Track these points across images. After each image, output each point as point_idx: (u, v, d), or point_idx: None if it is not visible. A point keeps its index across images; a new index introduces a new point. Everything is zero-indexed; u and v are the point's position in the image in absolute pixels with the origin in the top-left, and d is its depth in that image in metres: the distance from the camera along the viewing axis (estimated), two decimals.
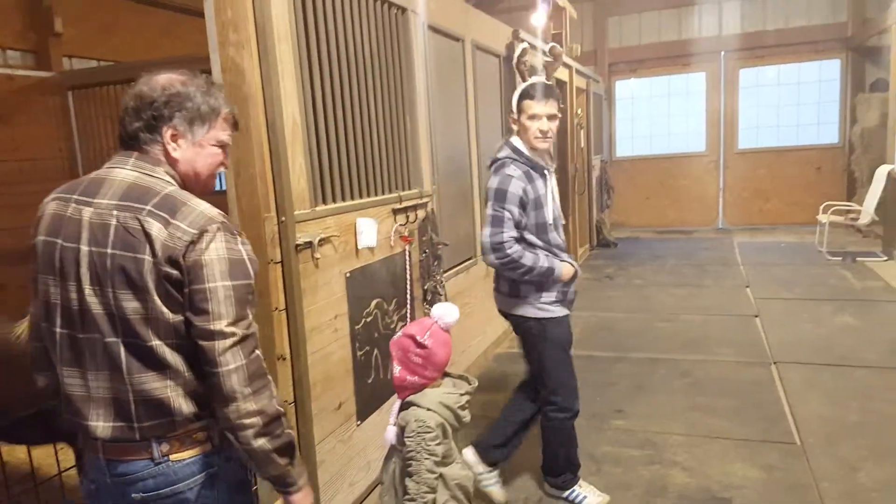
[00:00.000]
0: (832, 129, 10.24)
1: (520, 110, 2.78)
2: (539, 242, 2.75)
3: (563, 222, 2.94)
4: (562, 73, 7.45)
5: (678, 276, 7.39)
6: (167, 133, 1.46)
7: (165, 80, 1.48)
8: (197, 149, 1.50)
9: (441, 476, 2.02)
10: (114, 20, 5.55)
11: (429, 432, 1.96)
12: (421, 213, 3.52)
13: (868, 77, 9.79)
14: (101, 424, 1.43)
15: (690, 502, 2.88)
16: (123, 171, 1.45)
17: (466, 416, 2.09)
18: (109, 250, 1.37)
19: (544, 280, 2.73)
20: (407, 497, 1.98)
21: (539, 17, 8.45)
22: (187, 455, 1.48)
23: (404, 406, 2.07)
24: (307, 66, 2.56)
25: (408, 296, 3.30)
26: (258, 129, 2.27)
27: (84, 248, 1.39)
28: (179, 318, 1.40)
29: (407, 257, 3.32)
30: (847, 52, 9.84)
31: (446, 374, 2.13)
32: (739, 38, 10.26)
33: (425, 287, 3.52)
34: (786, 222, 10.19)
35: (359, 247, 2.91)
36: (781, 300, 5.99)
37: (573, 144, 8.02)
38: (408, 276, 3.31)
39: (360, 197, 2.98)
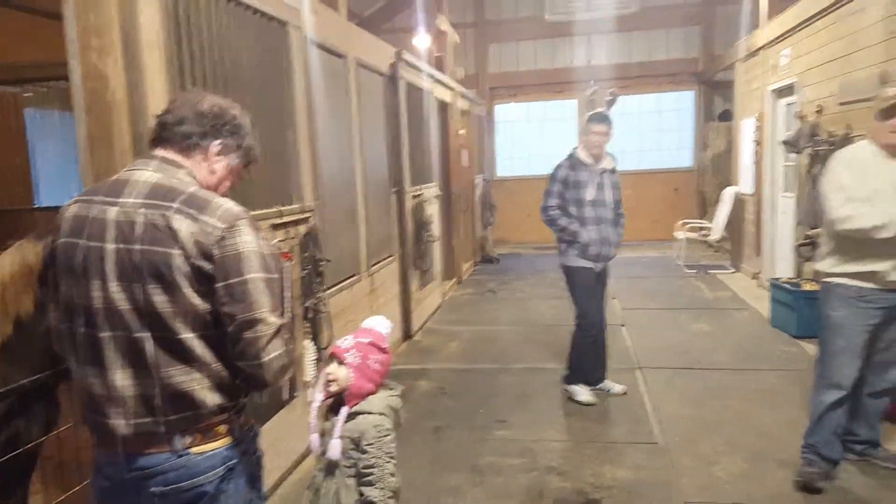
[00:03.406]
0: (687, 154, 11.30)
1: (588, 129, 4.14)
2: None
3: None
4: (444, 95, 7.65)
5: (556, 289, 7.68)
6: (215, 146, 1.58)
7: (233, 107, 1.63)
8: (226, 173, 1.64)
9: None
10: None
11: (388, 435, 1.97)
12: (302, 229, 3.47)
13: (717, 107, 10.89)
14: (122, 422, 1.45)
15: None
16: (146, 173, 1.50)
17: (403, 417, 2.11)
18: (137, 246, 1.41)
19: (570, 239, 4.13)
20: None
21: (422, 40, 8.66)
22: (209, 448, 1.51)
23: (350, 417, 2.02)
24: (179, 75, 2.46)
25: (287, 314, 3.22)
26: (121, 139, 2.16)
27: (110, 246, 1.42)
28: (209, 308, 1.44)
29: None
30: (699, 84, 10.92)
31: None
32: (607, 69, 11.02)
33: (306, 304, 3.47)
34: (648, 238, 11.00)
35: None
36: (644, 310, 6.45)
37: (457, 164, 8.24)
38: (287, 294, 3.23)
39: None
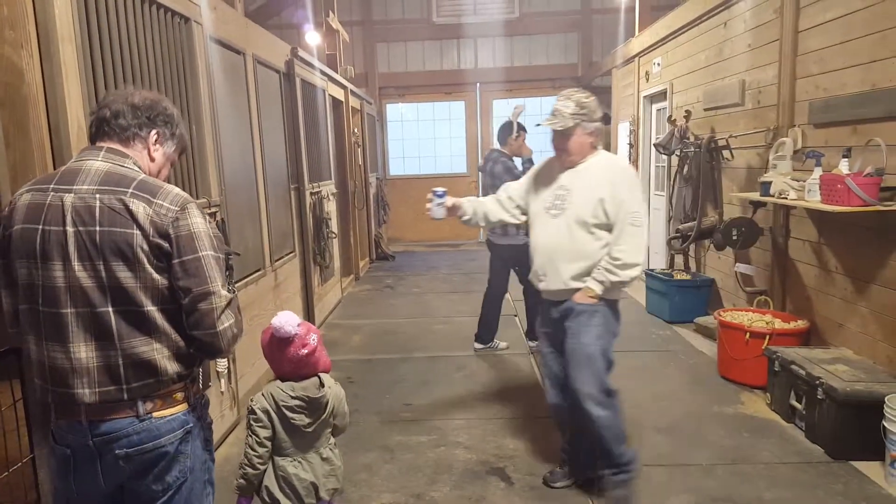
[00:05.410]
0: None
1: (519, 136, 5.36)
2: None
3: None
4: (337, 93, 7.72)
5: (450, 283, 8.07)
6: (153, 135, 1.71)
7: (164, 99, 1.76)
8: (164, 160, 1.77)
9: (273, 461, 2.20)
10: None
11: (253, 413, 2.17)
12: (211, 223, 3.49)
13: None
14: (86, 391, 1.56)
15: (472, 474, 3.28)
16: (96, 163, 1.61)
17: (297, 419, 2.19)
18: (98, 228, 1.53)
19: None
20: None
21: (313, 37, 8.66)
22: (168, 413, 1.64)
23: None
24: (91, 69, 2.46)
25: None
26: (39, 133, 2.15)
27: (70, 229, 1.53)
28: (166, 283, 1.58)
29: None
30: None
31: (320, 378, 2.29)
32: (492, 72, 11.53)
33: None
34: None
35: None
36: None
37: (352, 162, 8.33)
38: None
39: None
